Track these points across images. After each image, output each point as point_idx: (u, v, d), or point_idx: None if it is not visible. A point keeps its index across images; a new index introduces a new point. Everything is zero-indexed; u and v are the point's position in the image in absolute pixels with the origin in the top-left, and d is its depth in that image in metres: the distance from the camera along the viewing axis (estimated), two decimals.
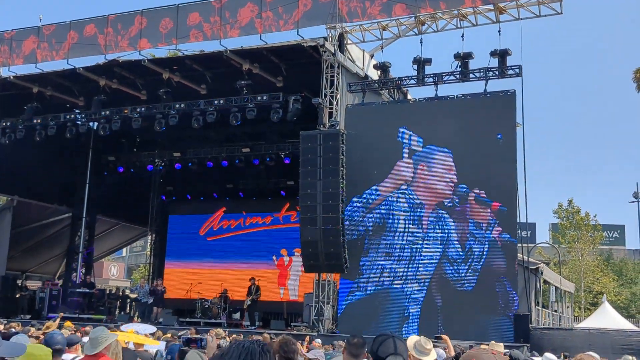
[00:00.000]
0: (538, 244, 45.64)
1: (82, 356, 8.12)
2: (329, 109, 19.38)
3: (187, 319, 22.50)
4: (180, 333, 11.86)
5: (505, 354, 7.58)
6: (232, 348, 2.23)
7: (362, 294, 17.10)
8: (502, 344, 7.91)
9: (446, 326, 14.44)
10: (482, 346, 7.12)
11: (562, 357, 11.51)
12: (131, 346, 8.93)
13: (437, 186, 15.16)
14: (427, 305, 15.06)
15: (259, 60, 20.92)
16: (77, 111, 24.44)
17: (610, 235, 56.59)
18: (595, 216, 45.98)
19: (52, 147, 24.92)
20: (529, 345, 15.86)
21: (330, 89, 19.49)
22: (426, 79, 19.58)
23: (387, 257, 15.89)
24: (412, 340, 4.71)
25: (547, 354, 9.00)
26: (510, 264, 15.44)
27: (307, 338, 14.28)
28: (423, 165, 15.53)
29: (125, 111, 22.52)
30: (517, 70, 18.65)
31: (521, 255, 18.95)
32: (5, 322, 16.94)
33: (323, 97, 19.34)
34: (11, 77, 23.52)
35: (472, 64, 19.16)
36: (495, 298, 15.08)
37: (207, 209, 29.62)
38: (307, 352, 7.28)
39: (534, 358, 10.93)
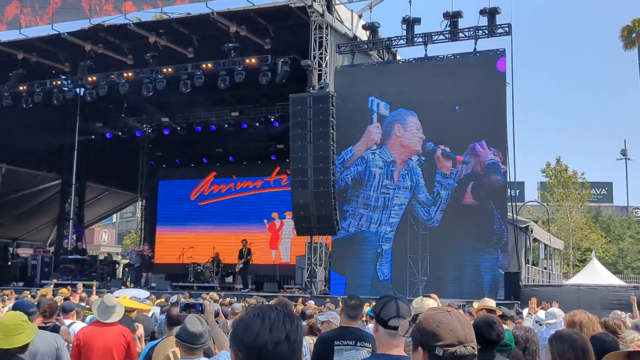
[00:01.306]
0: (527, 202, 45.96)
1: (77, 321, 8.21)
2: (318, 70, 19.25)
3: (180, 284, 22.62)
4: (172, 299, 11.88)
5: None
6: (253, 320, 2.09)
7: (345, 234, 19.04)
8: (493, 301, 8.01)
9: (414, 259, 17.49)
10: (480, 303, 7.23)
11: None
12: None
13: (409, 143, 17.74)
14: (397, 242, 17.86)
15: (246, 22, 20.67)
16: (63, 77, 24.16)
17: (599, 192, 57.04)
18: (583, 174, 46.31)
19: (39, 113, 24.66)
20: (519, 302, 16.08)
21: (319, 50, 19.32)
22: (415, 39, 19.46)
23: (364, 207, 18.22)
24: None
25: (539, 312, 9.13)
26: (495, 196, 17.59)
27: (300, 300, 14.41)
28: (399, 125, 17.90)
29: (112, 76, 22.28)
30: (507, 29, 18.56)
31: (510, 214, 19.11)
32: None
33: (312, 59, 19.18)
34: None
35: (462, 23, 19.06)
36: (460, 231, 17.40)
37: (197, 173, 29.58)
38: (320, 314, 7.32)
39: (522, 312, 11.10)
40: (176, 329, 4.49)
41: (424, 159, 17.94)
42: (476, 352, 2.34)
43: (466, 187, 17.65)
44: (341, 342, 5.29)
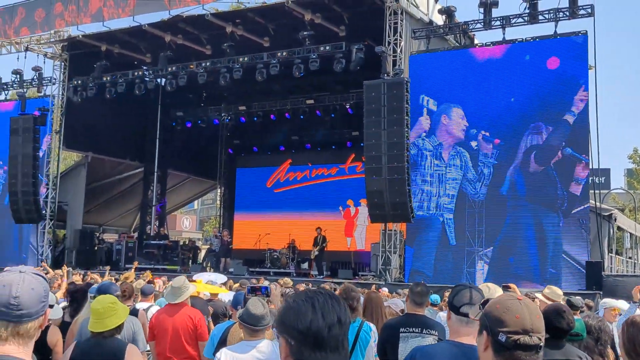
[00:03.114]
0: (612, 190, 44.31)
1: (154, 304, 8.48)
2: (393, 57, 19.10)
3: (257, 269, 23.00)
4: (249, 283, 12.07)
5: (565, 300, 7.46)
6: (303, 306, 2.12)
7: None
8: (560, 291, 7.80)
9: (471, 231, 18.67)
10: (547, 290, 7.04)
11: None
12: (205, 295, 9.23)
13: (454, 130, 19.23)
14: (457, 213, 18.98)
15: (321, 9, 20.70)
16: (144, 68, 24.86)
17: None
18: None
19: (122, 104, 25.48)
20: (601, 292, 15.58)
21: (393, 36, 19.15)
22: (493, 22, 19.01)
23: (422, 183, 19.29)
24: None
25: (606, 300, 8.82)
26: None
27: (374, 287, 14.43)
28: (445, 116, 19.34)
29: (191, 66, 22.75)
30: (589, 10, 17.88)
31: (594, 202, 18.50)
32: (83, 272, 17.76)
33: (386, 45, 19.04)
34: (80, 36, 24.05)
35: (541, 5, 18.48)
36: (499, 202, 18.61)
37: (274, 161, 29.94)
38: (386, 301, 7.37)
39: (602, 302, 10.75)
40: (239, 311, 4.59)
41: (467, 142, 19.17)
42: (542, 343, 2.30)
43: (530, 155, 18.38)
44: (407, 329, 5.28)
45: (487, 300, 2.65)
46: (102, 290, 6.03)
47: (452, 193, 19.13)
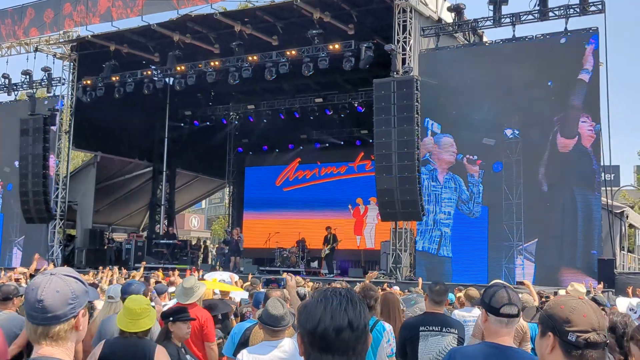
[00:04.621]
0: (622, 187, 44.09)
1: (169, 303, 8.46)
2: (402, 55, 19.03)
3: (267, 268, 23.00)
4: (260, 281, 12.02)
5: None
6: (315, 306, 2.07)
7: None
8: (583, 286, 7.74)
9: (471, 238, 18.80)
10: (570, 288, 7.01)
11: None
12: (216, 293, 9.22)
13: (445, 157, 19.49)
14: (454, 228, 19.12)
15: (330, 8, 20.66)
16: (153, 67, 24.84)
17: None
18: None
19: (131, 103, 25.50)
20: (614, 290, 15.52)
21: (402, 34, 19.09)
22: (503, 19, 18.93)
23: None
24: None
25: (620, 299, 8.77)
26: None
27: (385, 285, 14.38)
28: (436, 145, 19.62)
29: (200, 66, 22.75)
30: (600, 7, 17.78)
31: (605, 199, 18.40)
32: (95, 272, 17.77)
33: (396, 43, 18.98)
34: (89, 37, 24.07)
35: (552, 2, 18.39)
36: (536, 192, 18.25)
37: (283, 160, 29.95)
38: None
39: (618, 300, 10.68)
40: (259, 311, 4.56)
41: (457, 167, 19.35)
42: (608, 341, 2.35)
43: (556, 136, 18.00)
44: (427, 328, 5.26)
45: (542, 303, 2.67)
46: (127, 290, 6.00)
47: (448, 210, 19.20)
